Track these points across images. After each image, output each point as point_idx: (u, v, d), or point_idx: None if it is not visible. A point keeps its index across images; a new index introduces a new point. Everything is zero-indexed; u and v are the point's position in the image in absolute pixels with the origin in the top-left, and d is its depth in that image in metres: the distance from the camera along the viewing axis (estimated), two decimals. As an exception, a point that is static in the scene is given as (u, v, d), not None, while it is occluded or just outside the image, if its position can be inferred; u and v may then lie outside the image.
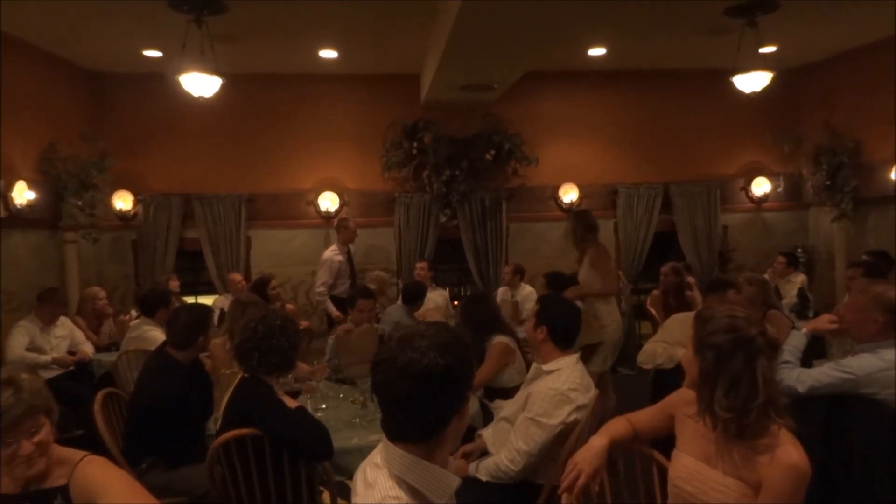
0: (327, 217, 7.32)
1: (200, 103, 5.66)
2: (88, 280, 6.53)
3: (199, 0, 4.94)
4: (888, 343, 2.65)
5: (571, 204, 7.65)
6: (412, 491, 1.42)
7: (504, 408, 3.19)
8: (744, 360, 1.82)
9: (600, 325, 5.03)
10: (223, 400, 2.84)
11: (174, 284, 6.29)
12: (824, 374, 2.68)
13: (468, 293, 7.91)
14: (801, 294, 6.14)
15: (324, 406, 3.39)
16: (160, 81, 6.31)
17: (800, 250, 7.78)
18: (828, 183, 7.09)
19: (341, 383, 3.88)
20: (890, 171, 6.63)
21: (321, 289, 6.44)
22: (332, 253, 6.54)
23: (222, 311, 6.06)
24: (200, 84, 5.32)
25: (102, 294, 5.82)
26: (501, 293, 6.65)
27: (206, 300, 7.20)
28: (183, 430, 3.17)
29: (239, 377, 2.83)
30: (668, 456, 2.13)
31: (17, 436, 1.74)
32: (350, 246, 6.68)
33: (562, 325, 2.88)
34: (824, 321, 2.92)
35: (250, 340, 2.74)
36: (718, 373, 1.85)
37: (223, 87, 5.47)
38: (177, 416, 3.12)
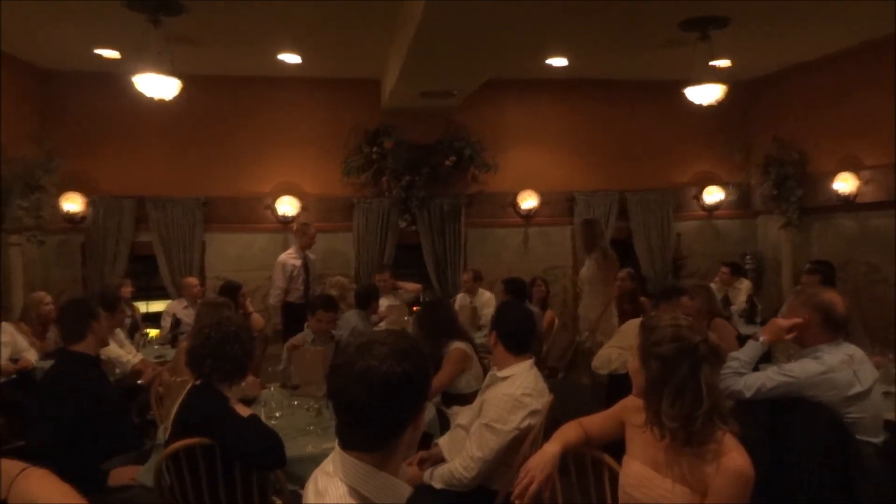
0: (285, 221, 7.23)
1: (156, 104, 5.53)
2: (33, 284, 6.30)
3: (155, 0, 4.83)
4: (828, 346, 2.74)
5: (530, 210, 7.73)
6: (364, 500, 1.41)
7: (461, 414, 3.19)
8: (688, 369, 1.85)
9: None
10: (173, 408, 2.78)
11: (126, 290, 6.12)
12: (769, 378, 2.75)
13: (427, 299, 7.91)
14: (750, 300, 6.32)
15: (278, 414, 3.33)
16: (115, 81, 6.15)
17: (749, 257, 8.03)
18: (775, 192, 7.32)
19: (295, 390, 3.82)
20: (832, 181, 6.89)
21: (278, 295, 6.37)
22: (287, 256, 6.48)
23: (175, 317, 5.95)
24: (156, 85, 5.20)
25: (48, 299, 5.61)
26: (460, 299, 6.67)
27: (159, 305, 7.03)
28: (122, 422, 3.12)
29: (190, 385, 2.77)
30: (620, 460, 2.16)
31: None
32: (308, 252, 6.62)
33: (514, 330, 2.90)
34: (782, 330, 2.85)
35: (204, 346, 2.68)
36: (664, 382, 1.87)
37: (182, 89, 5.35)
38: (117, 409, 3.07)
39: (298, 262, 6.48)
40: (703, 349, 1.86)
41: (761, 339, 2.92)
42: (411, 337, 1.53)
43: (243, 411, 2.67)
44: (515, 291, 5.57)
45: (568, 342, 6.89)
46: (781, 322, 2.90)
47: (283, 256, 6.51)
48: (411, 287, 6.74)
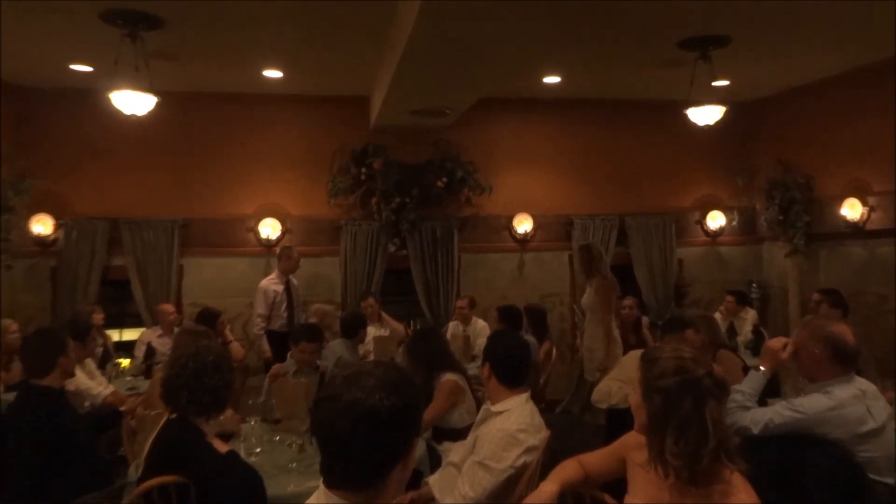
0: (268, 245, 7.22)
1: (133, 122, 5.55)
2: None
3: (134, 14, 4.86)
4: (839, 381, 2.74)
5: (525, 234, 7.76)
6: (350, 543, 1.39)
7: (453, 451, 3.16)
8: (692, 404, 1.85)
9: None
10: (146, 444, 2.74)
11: (98, 317, 6.07)
12: (777, 413, 2.75)
13: (417, 327, 7.87)
14: (756, 330, 6.34)
15: (258, 450, 3.30)
16: (90, 98, 6.16)
17: (754, 285, 8.06)
18: (781, 218, 7.39)
19: (277, 424, 3.78)
20: (839, 207, 6.96)
21: (259, 323, 6.36)
22: (269, 282, 6.47)
23: (150, 346, 5.90)
24: (133, 102, 5.22)
25: (14, 327, 5.53)
26: (452, 327, 6.66)
27: (133, 334, 6.96)
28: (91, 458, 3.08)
29: (165, 419, 2.73)
30: (621, 500, 2.14)
31: None
32: (292, 277, 6.61)
33: (508, 362, 2.88)
34: (777, 352, 2.89)
35: (179, 377, 2.65)
36: (667, 418, 1.87)
37: (159, 105, 5.38)
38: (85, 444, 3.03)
39: (280, 288, 6.46)
40: (707, 382, 1.86)
41: (761, 369, 2.94)
42: (401, 368, 1.53)
43: (221, 447, 2.64)
44: (510, 320, 5.56)
45: (567, 374, 6.88)
46: (773, 344, 2.92)
47: (264, 282, 6.49)
48: (394, 325, 6.69)
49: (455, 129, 7.34)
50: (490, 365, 2.88)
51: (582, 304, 6.05)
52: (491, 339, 3.07)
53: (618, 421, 3.83)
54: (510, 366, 2.88)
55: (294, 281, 6.66)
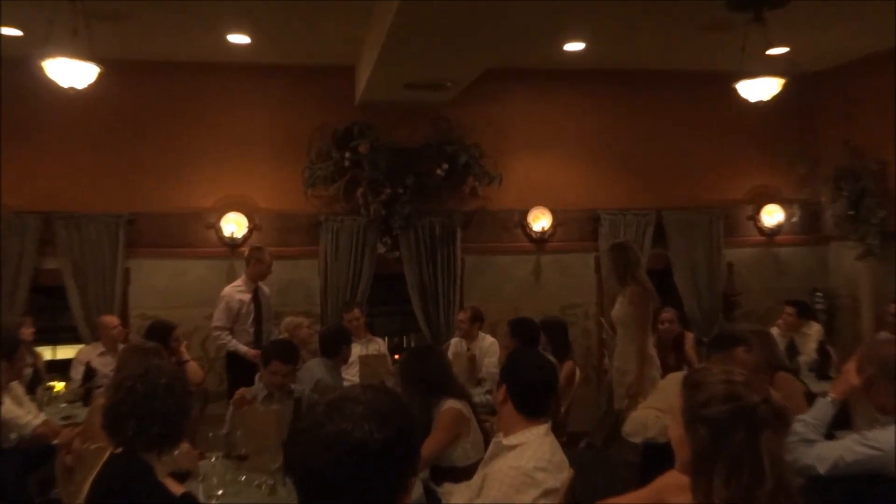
0: (232, 245, 7.23)
1: (70, 97, 5.54)
2: None
3: (71, -34, 4.88)
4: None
5: (542, 232, 7.76)
6: None
7: (455, 493, 3.17)
8: (746, 436, 1.84)
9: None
10: (85, 484, 2.74)
11: (27, 332, 6.07)
12: (848, 449, 2.74)
13: (412, 344, 7.87)
14: (821, 349, 6.33)
15: (220, 493, 3.30)
16: (17, 67, 6.17)
17: (819, 294, 8.05)
18: (850, 213, 7.39)
19: (243, 461, 3.78)
20: (922, 199, 6.97)
21: (218, 333, 6.34)
22: (233, 289, 6.47)
23: (89, 366, 5.90)
24: (71, 72, 5.22)
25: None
26: (454, 345, 6.66)
27: (68, 351, 6.96)
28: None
29: (108, 454, 2.73)
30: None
31: None
32: (262, 284, 6.59)
33: (529, 386, 2.88)
34: (850, 375, 2.91)
35: (124, 403, 2.65)
36: (715, 454, 1.86)
37: (101, 76, 5.38)
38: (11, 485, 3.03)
39: (248, 297, 6.46)
40: (763, 411, 1.86)
41: (830, 396, 2.94)
42: (394, 393, 1.52)
43: (175, 488, 2.63)
44: (525, 336, 5.55)
45: (593, 401, 6.88)
46: (853, 375, 2.92)
47: (227, 289, 6.49)
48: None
49: (458, 105, 7.35)
50: (507, 388, 2.88)
51: (612, 318, 6.04)
52: (511, 357, 3.07)
53: (655, 457, 3.83)
54: (532, 391, 2.88)
55: (265, 289, 6.65)
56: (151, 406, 2.64)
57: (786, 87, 6.19)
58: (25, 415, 4.85)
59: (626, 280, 5.74)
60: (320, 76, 7.44)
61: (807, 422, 2.89)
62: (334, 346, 5.47)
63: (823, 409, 2.94)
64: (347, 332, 5.87)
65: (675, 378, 4.06)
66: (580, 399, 6.48)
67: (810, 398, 3.92)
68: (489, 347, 6.48)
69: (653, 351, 5.70)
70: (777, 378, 4.10)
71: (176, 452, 3.47)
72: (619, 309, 5.81)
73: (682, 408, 1.96)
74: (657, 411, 3.94)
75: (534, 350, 4.24)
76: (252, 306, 6.47)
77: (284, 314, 6.77)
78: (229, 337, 6.36)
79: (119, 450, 2.68)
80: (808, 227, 8.34)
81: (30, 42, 5.94)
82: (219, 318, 6.40)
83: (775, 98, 6.23)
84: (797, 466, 2.70)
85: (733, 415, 1.86)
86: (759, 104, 6.28)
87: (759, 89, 6.12)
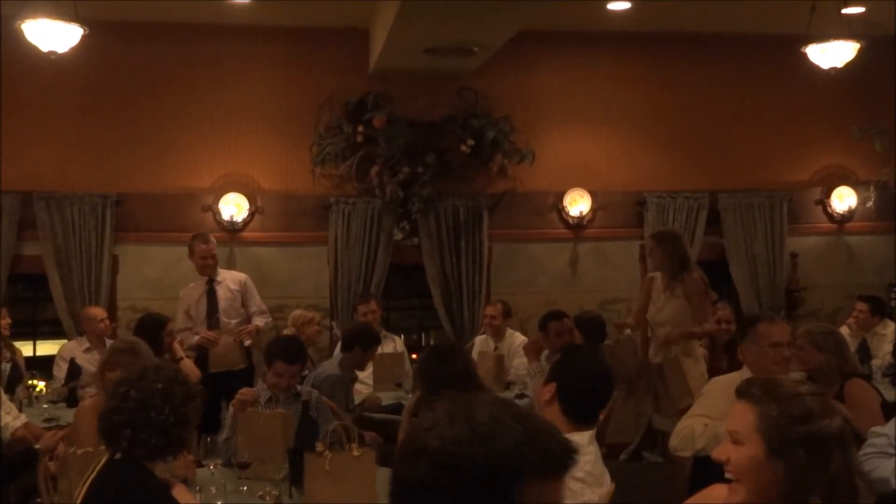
0: (232, 229, 7.27)
1: (52, 63, 5.58)
2: None
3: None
4: None
5: (580, 217, 7.74)
6: None
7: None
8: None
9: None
10: (73, 492, 2.78)
11: (4, 323, 6.14)
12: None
13: (432, 342, 7.89)
14: (897, 352, 6.28)
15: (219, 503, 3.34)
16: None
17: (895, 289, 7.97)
18: (934, 197, 7.31)
19: (244, 469, 3.82)
20: None
21: (180, 337, 6.17)
22: (188, 289, 6.45)
23: (73, 363, 5.97)
24: (52, 35, 5.26)
25: None
26: (479, 343, 6.68)
27: (50, 347, 7.05)
28: None
29: (103, 460, 2.77)
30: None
31: None
32: (227, 275, 6.51)
33: (583, 392, 2.87)
34: None
35: (119, 412, 2.68)
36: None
37: (86, 39, 5.42)
38: None
39: (196, 293, 6.40)
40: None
41: None
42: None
43: (184, 497, 2.67)
44: (592, 334, 5.54)
45: (634, 409, 6.86)
46: None
47: (184, 290, 6.48)
48: None
49: (485, 74, 7.33)
50: (557, 387, 2.88)
51: (654, 318, 5.75)
52: (566, 354, 3.03)
53: (704, 471, 3.83)
54: (586, 398, 2.87)
55: (233, 285, 6.47)
56: (147, 415, 2.66)
57: (861, 52, 6.12)
58: (4, 416, 4.93)
59: (678, 272, 5.53)
60: (330, 40, 7.45)
61: (889, 436, 2.87)
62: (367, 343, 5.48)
63: None
64: (376, 332, 5.79)
65: (722, 382, 4.03)
66: (619, 407, 6.47)
67: (886, 409, 3.89)
68: (518, 346, 6.44)
69: (699, 350, 5.64)
70: (849, 385, 4.05)
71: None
72: (668, 310, 5.55)
73: (761, 424, 1.83)
74: (706, 419, 3.91)
75: (595, 350, 4.20)
76: (204, 302, 6.38)
77: (289, 308, 6.81)
78: (188, 333, 6.31)
79: (117, 456, 2.72)
80: (884, 212, 8.23)
81: (7, 2, 6.00)
82: (177, 320, 6.31)
83: (849, 65, 6.16)
84: (870, 478, 2.70)
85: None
86: (831, 71, 6.21)
87: (831, 54, 6.06)
